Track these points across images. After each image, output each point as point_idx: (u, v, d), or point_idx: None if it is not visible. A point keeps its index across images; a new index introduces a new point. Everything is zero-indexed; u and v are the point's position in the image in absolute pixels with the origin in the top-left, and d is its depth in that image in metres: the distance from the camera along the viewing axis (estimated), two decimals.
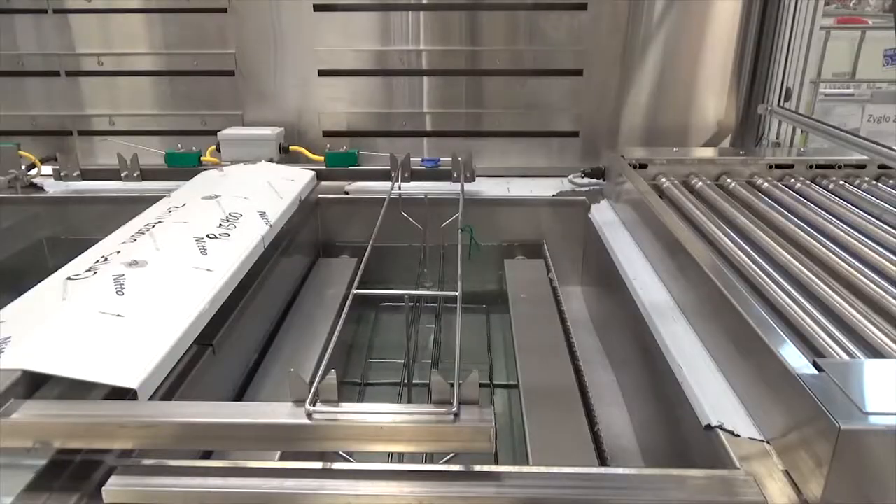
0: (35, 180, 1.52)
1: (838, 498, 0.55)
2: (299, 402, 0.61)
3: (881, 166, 1.34)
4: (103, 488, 0.58)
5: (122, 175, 1.50)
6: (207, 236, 1.00)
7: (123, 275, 0.86)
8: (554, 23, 1.58)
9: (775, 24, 1.54)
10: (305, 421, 0.60)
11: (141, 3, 1.60)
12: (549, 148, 1.68)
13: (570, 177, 1.59)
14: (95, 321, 0.75)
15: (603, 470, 0.79)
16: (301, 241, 1.41)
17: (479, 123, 1.67)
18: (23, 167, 1.52)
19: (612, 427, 1.01)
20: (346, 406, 0.62)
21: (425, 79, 1.64)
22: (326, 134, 1.68)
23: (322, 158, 1.55)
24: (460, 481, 0.59)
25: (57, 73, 1.66)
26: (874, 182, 1.32)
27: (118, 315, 0.77)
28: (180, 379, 0.80)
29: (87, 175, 1.52)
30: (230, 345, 0.94)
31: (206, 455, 0.86)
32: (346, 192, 1.54)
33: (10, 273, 1.46)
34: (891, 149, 1.16)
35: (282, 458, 0.87)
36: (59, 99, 1.68)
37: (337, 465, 0.61)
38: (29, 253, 1.49)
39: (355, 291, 0.88)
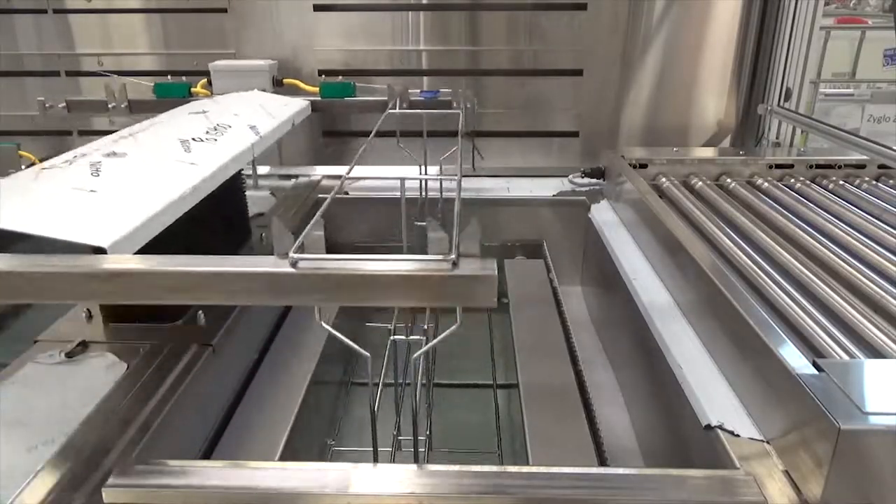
0: None
1: (838, 498, 0.55)
2: (284, 255, 0.57)
3: (881, 166, 1.34)
4: (103, 488, 0.58)
5: (110, 107, 1.43)
6: (193, 139, 0.93)
7: (100, 161, 0.81)
8: (554, 23, 1.58)
9: (775, 24, 1.54)
10: (290, 269, 0.56)
11: (141, 3, 1.60)
12: (549, 148, 1.68)
13: (570, 177, 1.59)
14: (68, 195, 0.71)
15: (603, 470, 0.79)
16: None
17: (479, 123, 1.67)
18: (23, 167, 1.52)
19: (612, 427, 1.01)
20: (333, 256, 0.57)
21: (425, 79, 1.64)
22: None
23: (317, 90, 1.48)
24: (460, 481, 0.59)
25: (57, 73, 1.66)
26: (874, 182, 1.32)
27: (91, 191, 0.72)
28: (180, 379, 0.80)
29: (73, 107, 1.46)
30: (230, 345, 0.94)
31: (207, 455, 0.86)
32: (347, 193, 1.53)
33: None
34: (891, 149, 1.16)
35: (281, 458, 0.88)
36: (60, 99, 1.68)
37: (336, 466, 0.61)
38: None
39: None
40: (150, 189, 0.75)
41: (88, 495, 0.60)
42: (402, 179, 0.92)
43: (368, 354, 0.63)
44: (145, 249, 0.67)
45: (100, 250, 0.60)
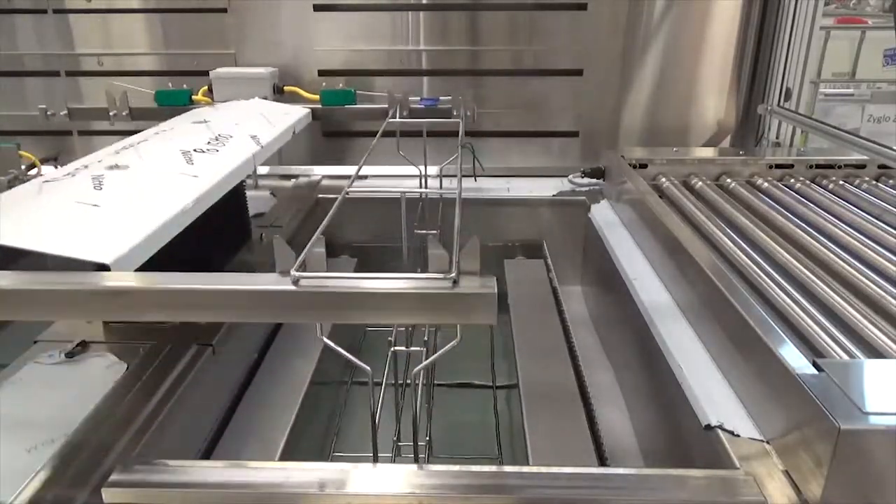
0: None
1: (838, 498, 0.55)
2: (285, 272, 0.57)
3: (881, 166, 1.34)
4: (103, 488, 0.58)
5: (111, 114, 1.43)
6: (195, 150, 0.93)
7: (103, 175, 0.81)
8: (554, 23, 1.58)
9: (775, 24, 1.54)
10: (291, 288, 0.56)
11: (141, 3, 1.60)
12: (549, 148, 1.68)
13: (570, 177, 1.59)
14: (71, 209, 0.71)
15: (603, 470, 0.79)
16: (301, 241, 1.40)
17: (479, 123, 1.67)
18: (23, 167, 1.52)
19: (612, 427, 1.01)
20: (334, 274, 0.57)
21: (425, 79, 1.64)
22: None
23: (317, 97, 1.49)
24: (460, 481, 0.59)
25: (57, 73, 1.66)
26: (874, 182, 1.32)
27: (94, 205, 0.72)
28: (180, 379, 0.80)
29: (74, 115, 1.47)
30: (230, 345, 0.94)
31: (206, 455, 0.86)
32: (347, 193, 1.53)
33: None
34: (891, 149, 1.15)
35: (281, 458, 0.88)
36: (60, 99, 1.68)
37: (336, 466, 0.61)
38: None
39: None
40: (152, 203, 0.75)
41: (88, 495, 0.60)
42: (403, 193, 0.92)
43: (369, 368, 0.64)
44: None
45: (103, 267, 0.61)
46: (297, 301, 0.56)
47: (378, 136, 1.08)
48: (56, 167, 1.52)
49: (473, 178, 1.41)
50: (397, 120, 1.32)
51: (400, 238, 1.00)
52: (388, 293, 0.55)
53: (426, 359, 0.80)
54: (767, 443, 0.65)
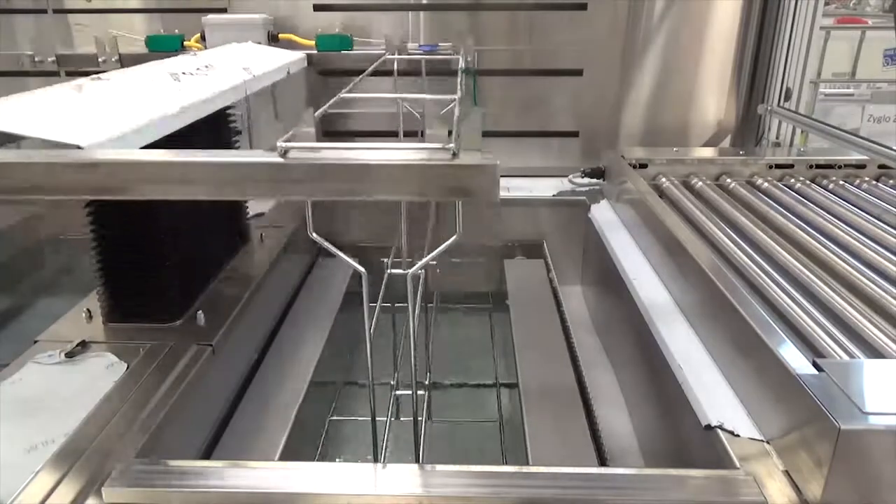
0: None
1: (838, 498, 0.55)
2: (273, 148, 0.53)
3: (881, 166, 1.34)
4: (103, 488, 0.58)
5: (100, 60, 1.41)
6: (183, 73, 0.91)
7: (82, 84, 0.78)
8: (554, 23, 1.58)
9: (775, 24, 1.54)
10: (280, 160, 0.52)
11: (141, 3, 1.60)
12: (549, 148, 1.68)
13: (570, 177, 1.59)
14: (51, 105, 0.70)
15: (603, 470, 0.79)
16: (301, 241, 1.41)
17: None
18: None
19: (612, 427, 1.01)
20: (326, 144, 0.54)
21: (425, 79, 1.63)
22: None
23: (313, 44, 1.46)
24: (460, 481, 0.59)
25: (57, 73, 1.66)
26: (874, 182, 1.32)
27: (75, 105, 0.71)
28: (180, 379, 0.80)
29: (62, 61, 1.44)
30: (230, 345, 0.94)
31: (206, 455, 0.86)
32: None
33: (9, 273, 1.46)
34: (891, 149, 1.15)
35: (281, 458, 0.88)
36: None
37: (336, 466, 0.61)
38: (29, 253, 1.49)
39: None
40: (135, 107, 0.71)
41: (88, 495, 0.60)
42: (399, 99, 0.89)
43: (363, 270, 0.61)
44: None
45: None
46: (287, 174, 0.52)
47: (374, 65, 1.04)
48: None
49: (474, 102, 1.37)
50: (395, 56, 1.28)
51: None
52: (383, 164, 0.51)
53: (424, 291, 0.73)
54: (767, 443, 0.65)
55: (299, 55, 1.37)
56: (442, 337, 1.37)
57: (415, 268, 0.62)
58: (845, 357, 0.72)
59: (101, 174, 0.53)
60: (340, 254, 0.60)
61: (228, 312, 0.94)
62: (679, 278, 0.96)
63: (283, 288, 1.29)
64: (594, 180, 1.52)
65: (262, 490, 0.58)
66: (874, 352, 0.74)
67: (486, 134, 1.62)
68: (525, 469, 0.63)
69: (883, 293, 0.85)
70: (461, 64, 1.16)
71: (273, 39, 1.48)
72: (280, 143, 0.52)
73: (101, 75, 0.86)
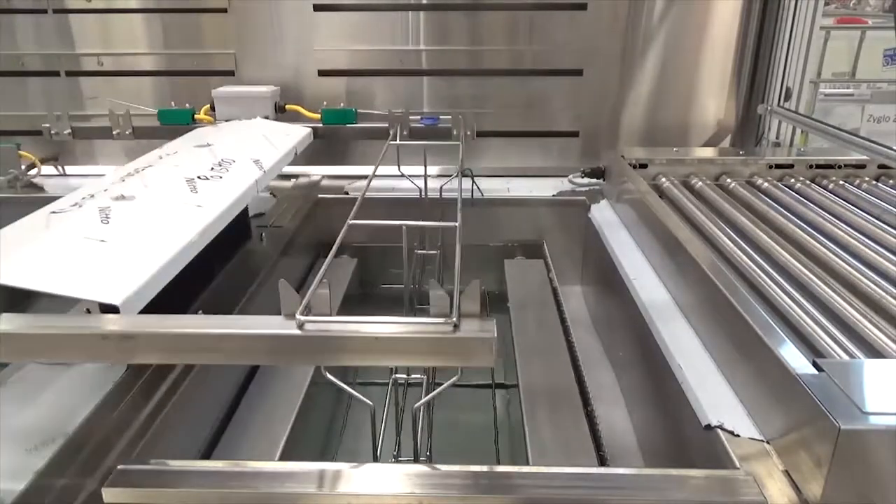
0: (35, 180, 1.53)
1: (838, 498, 0.55)
2: (290, 315, 0.58)
3: (881, 166, 1.34)
4: (103, 488, 0.58)
5: (114, 133, 1.46)
6: (199, 177, 0.94)
7: (109, 206, 0.82)
8: (554, 23, 1.58)
9: (775, 24, 1.54)
10: (296, 331, 0.57)
11: (141, 3, 1.60)
12: (549, 148, 1.68)
13: (570, 177, 1.59)
14: (79, 245, 0.72)
15: (603, 470, 0.79)
16: (301, 241, 1.41)
17: (479, 123, 1.67)
18: (23, 167, 1.52)
19: (612, 427, 1.01)
20: (339, 318, 0.58)
21: (425, 79, 1.64)
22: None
23: (319, 116, 1.51)
24: (460, 481, 0.59)
25: (57, 73, 1.66)
26: (874, 182, 1.32)
27: (102, 241, 0.73)
28: (180, 379, 0.79)
29: (77, 133, 1.49)
30: None
31: (206, 455, 0.86)
32: (346, 192, 1.54)
33: None
34: (891, 149, 1.15)
35: (281, 458, 0.87)
36: (59, 99, 1.68)
37: (336, 466, 0.61)
38: None
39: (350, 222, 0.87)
40: (158, 237, 0.76)
41: (88, 495, 0.60)
42: (404, 226, 0.93)
43: (371, 403, 0.67)
44: None
45: (112, 307, 0.62)
46: (302, 345, 0.57)
47: (380, 159, 1.09)
48: (56, 168, 1.54)
49: (471, 204, 1.42)
50: (398, 142, 1.34)
51: (400, 237, 1.00)
52: (391, 338, 0.56)
53: (426, 389, 0.81)
54: (767, 443, 0.65)
55: (306, 132, 1.40)
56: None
57: (418, 404, 0.71)
58: (845, 357, 0.72)
59: (131, 346, 0.57)
60: (351, 391, 0.66)
61: (229, 312, 0.94)
62: (679, 278, 0.96)
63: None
64: (594, 180, 1.52)
65: (262, 490, 0.58)
66: (874, 352, 0.74)
67: (486, 134, 1.63)
68: (525, 469, 0.63)
69: (883, 293, 0.85)
70: (461, 139, 1.24)
71: (280, 110, 1.53)
72: (299, 316, 0.57)
73: (123, 186, 0.89)
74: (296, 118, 1.53)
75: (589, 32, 1.57)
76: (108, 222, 0.78)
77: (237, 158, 1.07)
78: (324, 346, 0.57)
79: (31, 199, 1.49)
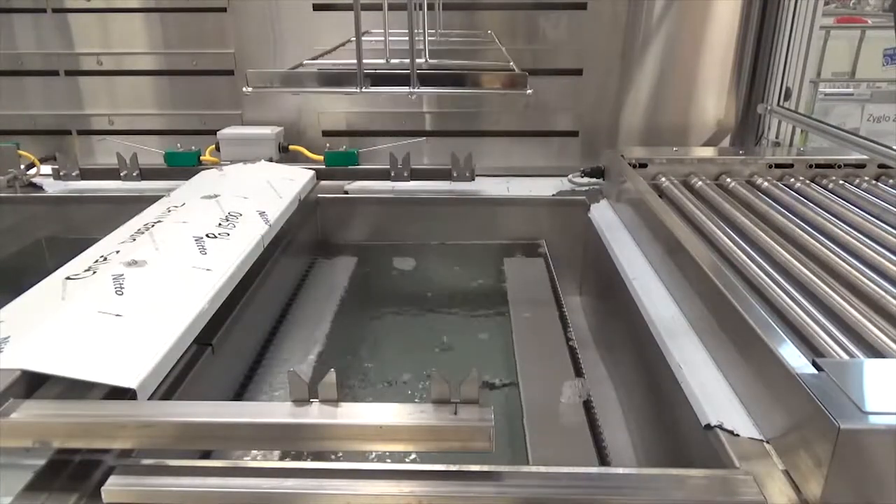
0: (34, 180, 1.52)
1: (838, 498, 0.55)
2: (299, 401, 0.62)
3: (881, 166, 1.34)
4: (102, 488, 0.58)
5: (122, 175, 1.50)
6: (207, 236, 1.00)
7: (122, 274, 0.86)
8: (554, 23, 1.58)
9: (775, 23, 1.54)
10: (305, 420, 0.60)
11: (140, 2, 1.60)
12: (549, 148, 1.68)
13: (570, 176, 1.59)
14: (94, 321, 0.75)
15: (603, 470, 0.78)
16: (301, 241, 1.41)
17: (479, 123, 1.67)
18: (22, 167, 1.52)
19: (611, 426, 1.01)
20: (345, 405, 0.61)
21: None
22: (326, 133, 1.68)
23: (321, 158, 1.55)
24: (460, 481, 0.59)
25: (56, 73, 1.66)
26: (874, 182, 1.32)
27: (117, 315, 0.77)
28: (180, 379, 0.80)
29: (86, 175, 1.53)
30: (229, 344, 0.94)
31: (206, 455, 0.86)
32: (346, 192, 1.54)
33: (9, 273, 1.46)
34: (891, 148, 1.15)
35: (281, 458, 0.87)
36: (59, 99, 1.68)
37: (336, 465, 0.61)
38: (28, 253, 1.49)
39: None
40: (171, 308, 0.80)
41: (88, 495, 0.60)
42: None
43: None
44: None
45: (129, 391, 0.65)
46: (312, 432, 0.61)
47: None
48: (58, 174, 1.54)
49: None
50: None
51: (398, 238, 1.01)
52: (393, 426, 0.60)
53: None
54: (767, 442, 0.65)
55: (309, 176, 1.44)
56: (441, 337, 1.37)
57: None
58: (845, 357, 0.72)
59: (147, 433, 0.61)
60: None
61: (228, 312, 0.94)
62: (679, 278, 0.96)
63: (283, 287, 1.29)
64: (594, 180, 1.52)
65: (261, 490, 0.58)
66: (874, 352, 0.74)
67: (486, 134, 1.64)
68: (525, 469, 0.63)
69: (883, 293, 0.85)
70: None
71: (283, 150, 1.58)
72: (306, 407, 0.61)
73: (133, 248, 0.94)
74: (298, 159, 1.56)
75: (588, 32, 1.57)
76: (122, 293, 0.82)
77: (243, 211, 1.13)
78: (331, 434, 0.61)
79: (31, 199, 1.49)
